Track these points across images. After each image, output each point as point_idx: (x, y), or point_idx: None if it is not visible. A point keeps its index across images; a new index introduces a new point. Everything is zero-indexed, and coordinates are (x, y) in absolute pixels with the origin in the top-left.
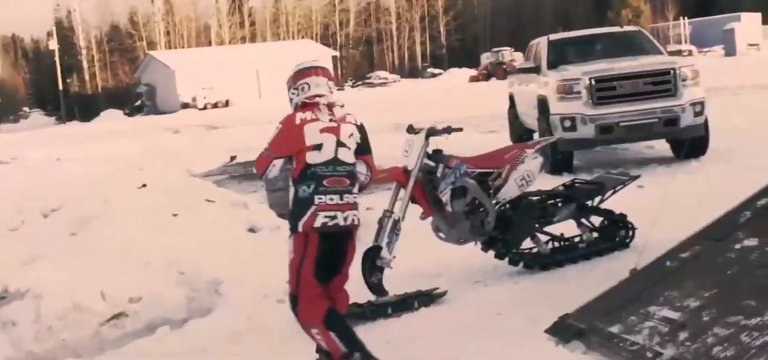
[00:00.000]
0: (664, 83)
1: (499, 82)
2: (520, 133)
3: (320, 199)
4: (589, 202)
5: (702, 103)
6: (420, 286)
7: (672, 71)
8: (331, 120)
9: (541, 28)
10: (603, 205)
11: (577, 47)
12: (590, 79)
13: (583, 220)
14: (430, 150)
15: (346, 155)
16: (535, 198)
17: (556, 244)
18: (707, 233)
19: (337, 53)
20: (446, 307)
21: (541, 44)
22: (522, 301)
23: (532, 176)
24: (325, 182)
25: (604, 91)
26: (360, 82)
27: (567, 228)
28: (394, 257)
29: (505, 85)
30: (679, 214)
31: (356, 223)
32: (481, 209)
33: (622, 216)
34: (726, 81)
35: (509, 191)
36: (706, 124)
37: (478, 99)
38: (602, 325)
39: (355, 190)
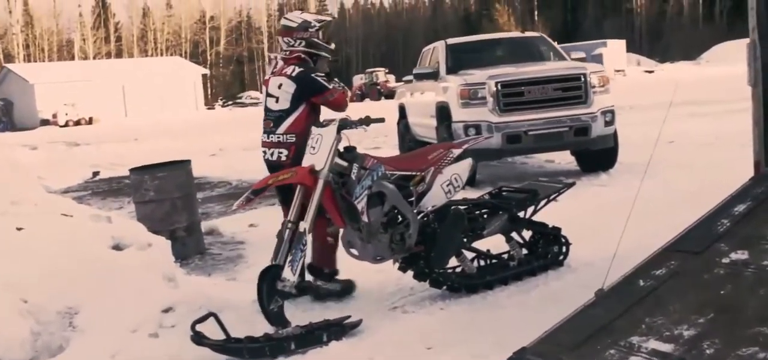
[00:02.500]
0: (573, 90)
1: (373, 103)
2: (411, 146)
3: (261, 138)
4: (522, 213)
5: (612, 112)
6: (327, 314)
7: (582, 77)
8: (272, 72)
9: (412, 50)
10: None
11: (477, 52)
12: (496, 83)
13: (514, 234)
14: (341, 147)
15: (272, 104)
16: (462, 207)
17: (482, 263)
18: (682, 246)
19: (207, 71)
20: (362, 340)
21: (437, 49)
22: (455, 332)
23: (460, 180)
24: (263, 123)
25: (511, 97)
26: (231, 102)
27: (492, 243)
28: (301, 280)
29: (383, 103)
30: (611, 229)
31: (282, 159)
32: (401, 220)
33: (556, 229)
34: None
35: (434, 198)
36: (615, 135)
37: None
38: None
39: (280, 130)
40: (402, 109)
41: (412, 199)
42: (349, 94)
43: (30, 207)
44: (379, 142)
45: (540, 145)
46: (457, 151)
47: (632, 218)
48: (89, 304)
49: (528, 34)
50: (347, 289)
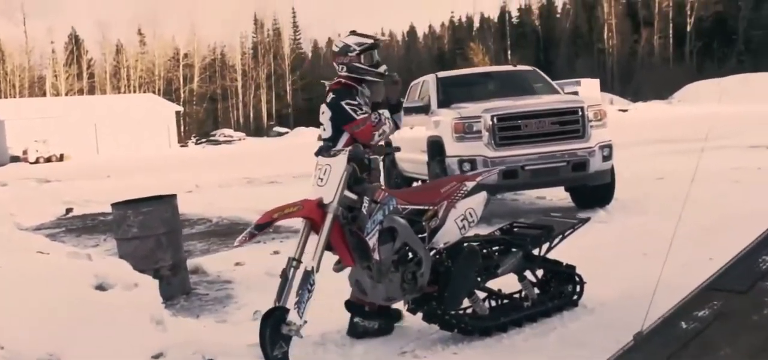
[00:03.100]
0: (571, 124)
1: None
2: (399, 184)
3: None
4: (536, 251)
5: (610, 147)
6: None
7: (580, 110)
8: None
9: None
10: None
11: (469, 86)
12: (492, 117)
13: (528, 273)
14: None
15: (322, 132)
16: (475, 244)
17: (495, 303)
18: (723, 284)
19: (181, 109)
20: None
21: (427, 82)
22: None
23: (475, 215)
24: None
25: (507, 131)
26: (204, 140)
27: (501, 282)
28: (306, 322)
29: None
30: (617, 266)
31: None
32: (411, 257)
33: (571, 267)
34: None
35: (448, 234)
36: (613, 170)
37: None
38: None
39: None
40: (387, 145)
41: (424, 235)
42: (387, 126)
43: (3, 242)
44: None
45: (537, 181)
46: (470, 184)
47: (639, 255)
48: (72, 349)
49: (520, 67)
50: (386, 328)
